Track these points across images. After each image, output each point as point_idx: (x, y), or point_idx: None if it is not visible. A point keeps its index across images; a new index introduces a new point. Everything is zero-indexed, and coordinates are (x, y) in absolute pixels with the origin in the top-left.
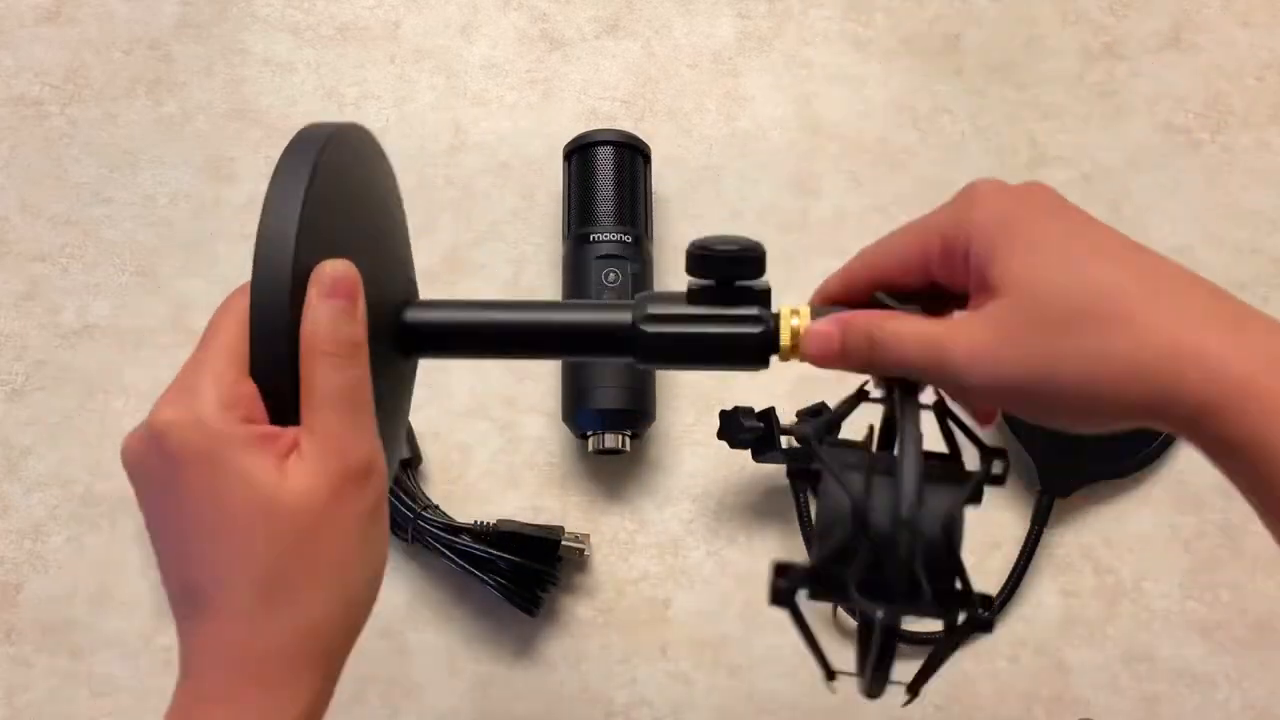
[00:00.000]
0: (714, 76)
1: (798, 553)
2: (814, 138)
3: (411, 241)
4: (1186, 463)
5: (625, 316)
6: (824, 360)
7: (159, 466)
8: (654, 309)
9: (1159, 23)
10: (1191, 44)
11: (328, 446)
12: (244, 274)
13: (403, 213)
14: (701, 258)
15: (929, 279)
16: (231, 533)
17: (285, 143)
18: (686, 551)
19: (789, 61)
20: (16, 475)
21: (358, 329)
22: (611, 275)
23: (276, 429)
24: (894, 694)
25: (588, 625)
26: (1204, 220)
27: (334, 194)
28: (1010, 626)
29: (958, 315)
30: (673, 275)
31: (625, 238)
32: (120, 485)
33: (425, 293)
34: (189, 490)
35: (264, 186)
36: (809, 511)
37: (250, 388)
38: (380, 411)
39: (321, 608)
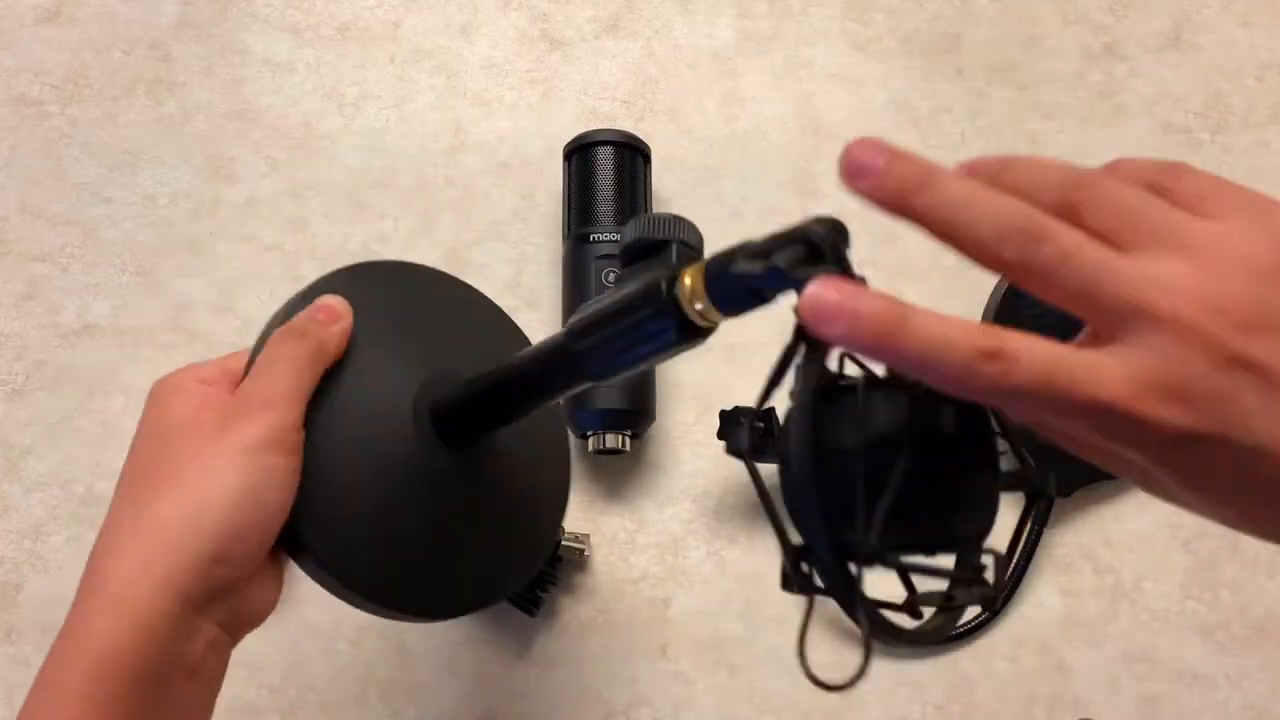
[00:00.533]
0: (714, 76)
1: None
2: (814, 138)
3: (412, 241)
4: None
5: (561, 344)
6: (824, 329)
7: (147, 405)
8: (575, 320)
9: (1159, 23)
10: (1191, 44)
11: (241, 390)
12: (244, 274)
13: (489, 314)
14: (622, 257)
15: None
16: (134, 444)
17: (285, 142)
18: (686, 551)
19: (789, 61)
20: (16, 475)
21: (323, 331)
22: (611, 275)
23: (224, 393)
24: (893, 695)
25: (588, 625)
26: None
27: (365, 294)
28: (1010, 626)
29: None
30: None
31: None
32: None
33: None
34: (140, 422)
35: (264, 186)
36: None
37: (238, 362)
38: (436, 504)
39: (166, 511)
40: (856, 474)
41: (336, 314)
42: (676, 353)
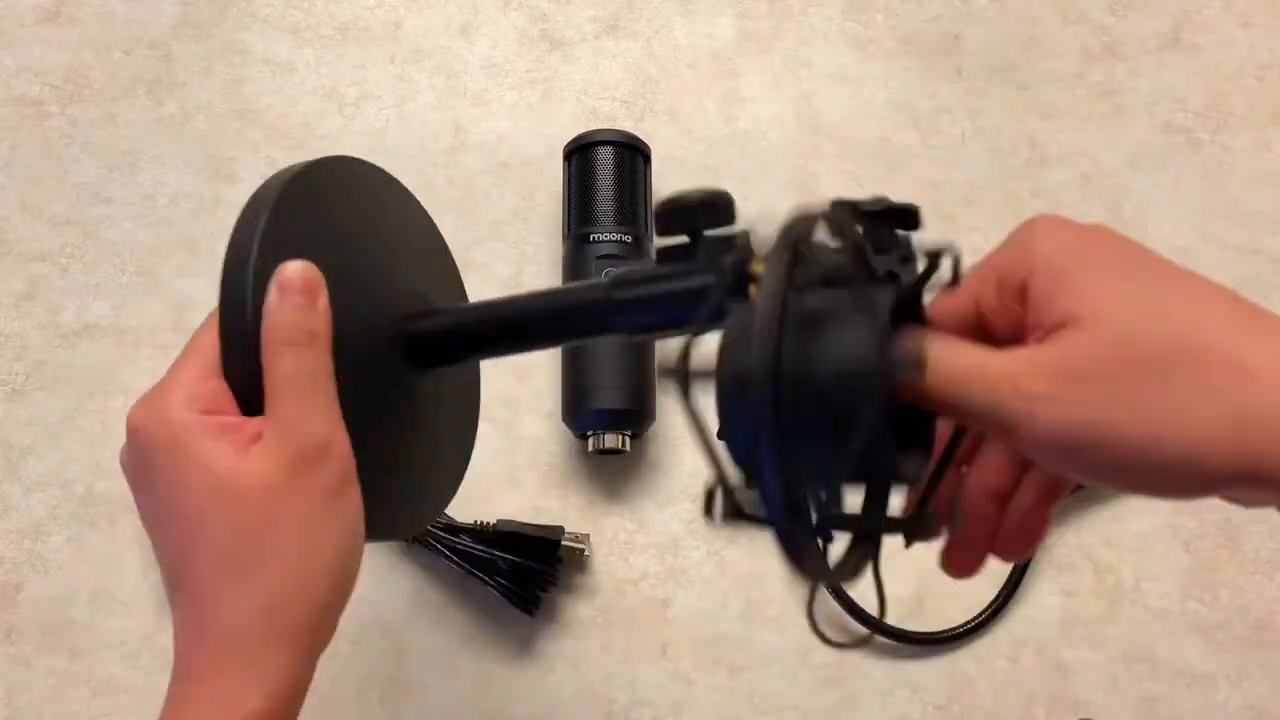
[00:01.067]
0: (714, 76)
1: None
2: (814, 138)
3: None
4: None
5: (600, 291)
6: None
7: (135, 461)
8: (623, 274)
9: (1159, 23)
10: (1191, 44)
11: (285, 429)
12: None
13: (430, 240)
14: (667, 211)
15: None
16: (193, 515)
17: (285, 142)
18: (686, 551)
19: (789, 61)
20: (16, 475)
21: (316, 320)
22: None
23: (239, 419)
24: (893, 695)
25: (588, 625)
26: (1204, 220)
27: (310, 213)
28: (1010, 626)
29: (1022, 348)
30: None
31: (625, 238)
32: (120, 485)
33: None
34: (159, 478)
35: None
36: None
37: (217, 384)
38: (399, 428)
39: (280, 582)
40: (827, 401)
41: (313, 291)
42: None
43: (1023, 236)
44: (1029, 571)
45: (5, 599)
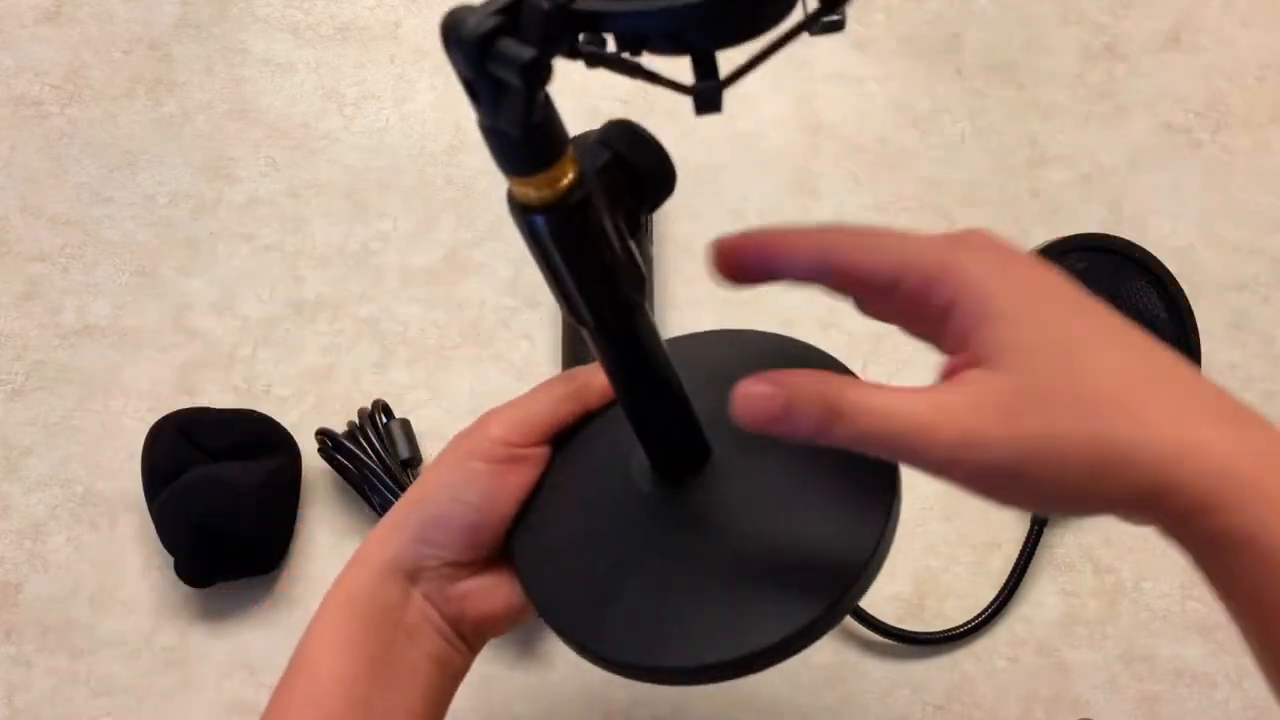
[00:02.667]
0: None
1: None
2: (814, 138)
3: (412, 241)
4: None
5: None
6: (760, 428)
7: None
8: None
9: (1159, 23)
10: (1191, 44)
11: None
12: (244, 274)
13: None
14: None
15: (883, 301)
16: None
17: (285, 142)
18: None
19: (789, 61)
20: (16, 475)
21: (590, 375)
22: None
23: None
24: (893, 695)
25: None
26: (1204, 220)
27: None
28: (1010, 626)
29: (938, 389)
30: (674, 275)
31: None
32: (120, 485)
33: (428, 293)
34: None
35: (264, 186)
36: None
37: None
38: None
39: (409, 492)
40: None
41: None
42: None
43: (955, 255)
44: (1029, 571)
45: (5, 599)
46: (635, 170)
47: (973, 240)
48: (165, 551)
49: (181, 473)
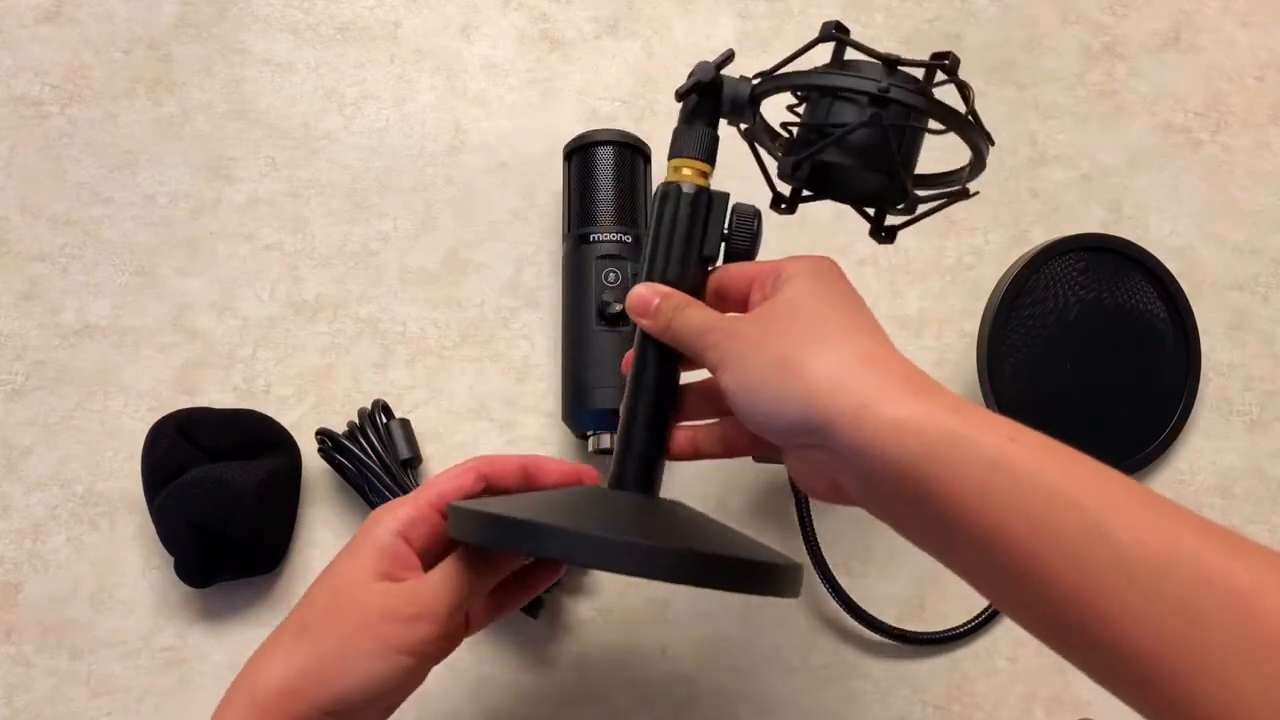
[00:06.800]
0: None
1: (797, 552)
2: None
3: (412, 241)
4: (1185, 463)
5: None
6: (635, 316)
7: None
8: None
9: (1159, 23)
10: (1191, 44)
11: (415, 586)
12: (244, 274)
13: None
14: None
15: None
16: (332, 567)
17: (285, 142)
18: None
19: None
20: (16, 475)
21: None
22: (611, 275)
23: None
24: (893, 695)
25: (588, 626)
26: (1204, 220)
27: None
28: (1010, 626)
29: (731, 316)
30: None
31: (625, 238)
32: (120, 485)
33: (428, 293)
34: (345, 550)
35: (264, 186)
36: None
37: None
38: None
39: (315, 660)
40: None
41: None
42: None
43: (785, 261)
44: None
45: (5, 599)
46: (730, 241)
47: (794, 266)
48: (165, 551)
49: (181, 472)
